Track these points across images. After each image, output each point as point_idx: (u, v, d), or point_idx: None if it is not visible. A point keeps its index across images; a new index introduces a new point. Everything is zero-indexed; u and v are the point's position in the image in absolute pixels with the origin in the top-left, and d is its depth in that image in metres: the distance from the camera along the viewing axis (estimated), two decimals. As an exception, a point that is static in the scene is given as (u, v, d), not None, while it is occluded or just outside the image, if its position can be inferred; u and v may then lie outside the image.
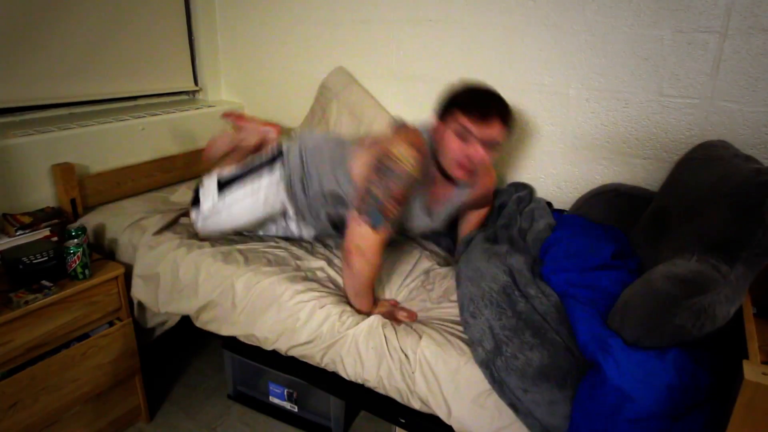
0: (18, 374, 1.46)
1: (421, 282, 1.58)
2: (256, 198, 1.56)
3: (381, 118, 2.10)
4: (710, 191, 1.23)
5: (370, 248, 1.32)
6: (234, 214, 1.58)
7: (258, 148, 1.81)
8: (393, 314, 1.39)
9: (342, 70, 2.23)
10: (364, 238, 1.31)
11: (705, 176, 1.30)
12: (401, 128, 1.43)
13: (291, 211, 1.64)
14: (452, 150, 1.34)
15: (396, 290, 1.56)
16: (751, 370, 0.82)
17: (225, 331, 1.55)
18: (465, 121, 1.30)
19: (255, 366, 1.84)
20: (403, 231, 1.59)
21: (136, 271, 1.70)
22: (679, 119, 1.61)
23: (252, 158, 1.65)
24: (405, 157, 1.29)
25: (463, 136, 1.32)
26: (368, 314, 1.37)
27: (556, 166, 1.85)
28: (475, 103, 1.31)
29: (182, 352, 2.28)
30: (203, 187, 1.61)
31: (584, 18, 1.66)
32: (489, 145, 1.32)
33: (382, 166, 1.31)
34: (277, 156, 1.60)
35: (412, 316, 1.39)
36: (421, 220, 1.51)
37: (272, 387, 1.89)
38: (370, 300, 1.40)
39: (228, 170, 1.62)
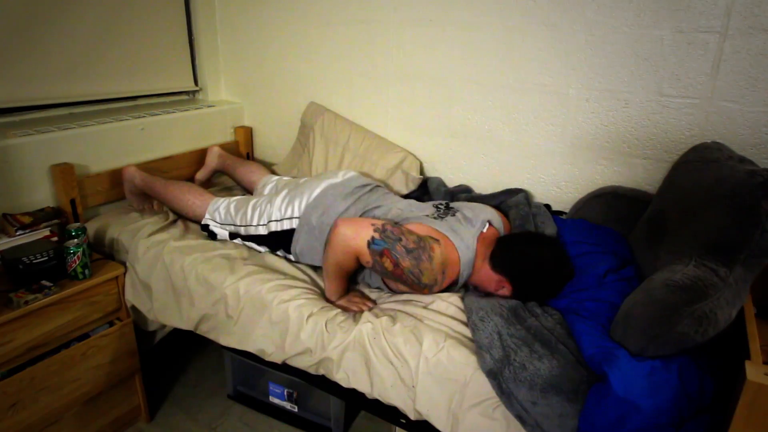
0: (18, 374, 1.46)
1: None
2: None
3: (353, 136, 2.17)
4: (706, 194, 1.23)
5: (353, 247, 1.36)
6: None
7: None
8: (350, 302, 1.45)
9: (314, 104, 2.30)
10: (358, 235, 1.36)
11: (700, 179, 1.30)
12: (449, 244, 1.43)
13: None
14: (484, 286, 1.48)
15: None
16: (753, 371, 0.82)
17: (224, 341, 1.56)
18: (506, 293, 1.44)
19: (255, 366, 1.84)
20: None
21: (129, 276, 1.70)
22: (679, 119, 1.61)
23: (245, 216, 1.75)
24: (432, 268, 1.36)
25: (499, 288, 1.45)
26: (333, 303, 1.46)
27: (556, 166, 1.85)
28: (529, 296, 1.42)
29: (182, 351, 2.28)
30: (216, 232, 1.79)
31: (584, 18, 1.66)
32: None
33: (417, 246, 1.36)
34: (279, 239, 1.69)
35: (367, 305, 1.46)
36: None
37: (272, 387, 1.89)
38: (336, 290, 1.47)
39: (228, 224, 1.77)
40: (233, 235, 1.76)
